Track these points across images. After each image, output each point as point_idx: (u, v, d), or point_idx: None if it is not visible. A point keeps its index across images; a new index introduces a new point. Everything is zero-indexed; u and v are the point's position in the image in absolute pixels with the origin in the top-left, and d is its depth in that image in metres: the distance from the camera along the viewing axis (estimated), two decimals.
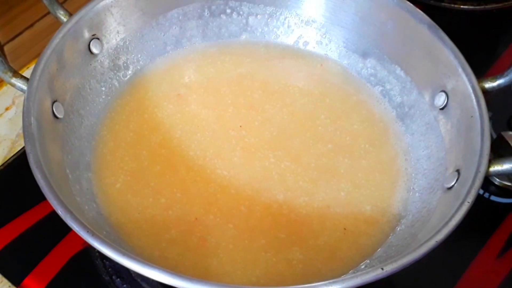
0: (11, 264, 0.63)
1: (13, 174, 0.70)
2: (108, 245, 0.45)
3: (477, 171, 0.52)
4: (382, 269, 0.44)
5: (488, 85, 0.58)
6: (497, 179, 0.72)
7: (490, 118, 0.75)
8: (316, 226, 0.60)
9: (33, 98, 0.54)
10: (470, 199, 0.50)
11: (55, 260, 0.63)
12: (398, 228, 0.59)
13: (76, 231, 0.46)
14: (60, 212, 0.47)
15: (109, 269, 0.62)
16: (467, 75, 0.59)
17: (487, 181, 0.72)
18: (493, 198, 0.72)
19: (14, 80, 0.57)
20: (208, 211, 0.59)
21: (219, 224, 0.59)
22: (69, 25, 0.61)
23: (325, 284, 0.43)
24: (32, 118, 0.53)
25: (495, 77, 0.58)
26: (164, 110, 0.68)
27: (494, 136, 0.73)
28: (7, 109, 0.77)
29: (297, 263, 0.57)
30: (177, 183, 0.61)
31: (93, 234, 0.45)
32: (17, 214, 0.66)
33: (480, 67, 0.79)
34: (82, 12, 0.62)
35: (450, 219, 0.48)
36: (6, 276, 0.62)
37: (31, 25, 0.78)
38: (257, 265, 0.57)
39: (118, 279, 0.61)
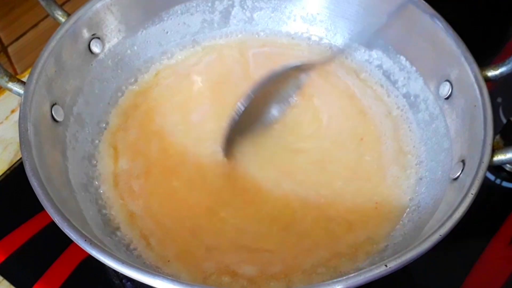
0: (19, 270, 0.62)
1: (21, 177, 0.68)
2: (106, 253, 0.44)
3: (481, 161, 0.51)
4: (386, 265, 0.44)
5: (491, 73, 0.58)
6: (508, 165, 0.71)
7: (500, 104, 0.75)
8: (323, 218, 0.60)
9: (29, 102, 0.54)
10: (474, 190, 0.49)
11: (65, 265, 0.62)
12: (406, 220, 0.59)
13: (73, 240, 0.45)
14: (57, 220, 0.46)
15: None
16: (469, 64, 0.58)
17: (499, 167, 0.72)
18: (504, 184, 0.71)
19: (10, 85, 0.56)
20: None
21: None
22: (67, 26, 0.60)
23: (329, 284, 0.43)
24: (28, 124, 0.52)
25: (497, 65, 0.58)
26: (169, 109, 0.68)
27: (504, 121, 0.73)
28: (12, 111, 0.76)
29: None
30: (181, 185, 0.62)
31: (91, 243, 0.45)
32: (26, 218, 0.65)
33: (487, 56, 0.79)
34: (80, 12, 0.62)
35: (453, 212, 0.48)
36: (14, 284, 0.61)
37: (35, 25, 0.77)
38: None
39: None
